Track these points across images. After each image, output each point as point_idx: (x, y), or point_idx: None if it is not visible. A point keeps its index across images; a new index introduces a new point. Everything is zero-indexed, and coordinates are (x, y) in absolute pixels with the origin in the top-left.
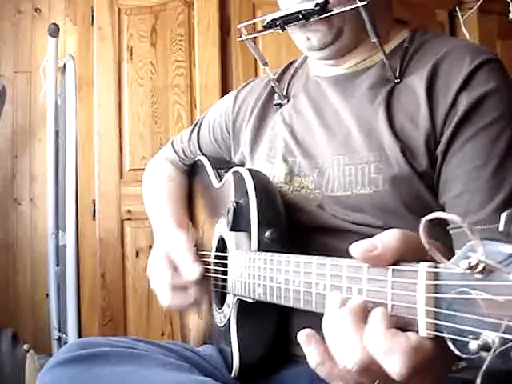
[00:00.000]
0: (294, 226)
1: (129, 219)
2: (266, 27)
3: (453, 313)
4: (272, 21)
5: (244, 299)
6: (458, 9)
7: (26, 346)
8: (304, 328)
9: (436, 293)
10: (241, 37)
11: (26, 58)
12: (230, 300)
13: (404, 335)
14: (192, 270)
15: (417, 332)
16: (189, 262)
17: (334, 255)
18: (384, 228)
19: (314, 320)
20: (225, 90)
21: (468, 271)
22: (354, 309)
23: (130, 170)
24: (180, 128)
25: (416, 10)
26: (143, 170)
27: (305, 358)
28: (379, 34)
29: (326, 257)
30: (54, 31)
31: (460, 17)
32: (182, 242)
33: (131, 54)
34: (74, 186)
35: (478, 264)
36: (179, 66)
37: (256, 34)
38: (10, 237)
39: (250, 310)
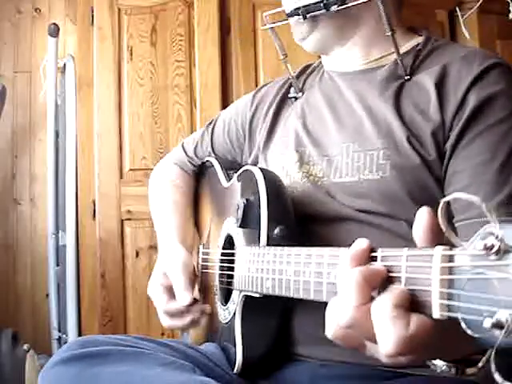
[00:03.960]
0: (301, 216)
1: (129, 219)
2: (289, 15)
3: (467, 293)
4: (295, 9)
5: (251, 295)
6: (458, 9)
7: (25, 346)
8: (305, 328)
9: (450, 274)
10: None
11: (26, 58)
12: (236, 296)
13: (406, 321)
14: (183, 298)
15: (430, 315)
16: (181, 289)
17: (340, 245)
18: (389, 215)
19: (316, 320)
20: (225, 90)
21: (483, 252)
22: (366, 274)
23: (130, 169)
24: (180, 128)
25: (416, 10)
26: (143, 170)
27: (306, 357)
28: (393, 28)
29: (339, 247)
30: (54, 31)
31: (460, 17)
32: (180, 263)
33: (131, 54)
34: (74, 186)
35: (493, 245)
36: (179, 65)
37: (280, 23)
38: (10, 237)
39: (255, 307)
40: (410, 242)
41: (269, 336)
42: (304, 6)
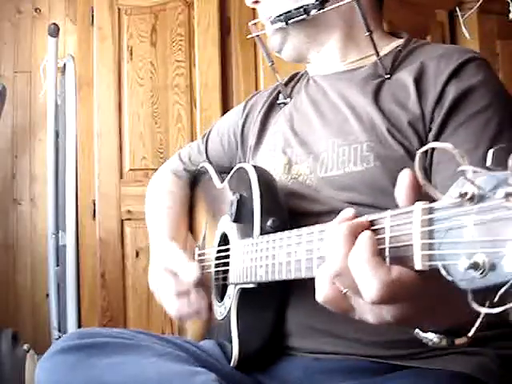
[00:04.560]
0: (293, 213)
1: (129, 219)
2: (272, 22)
3: (446, 240)
4: (277, 17)
5: (245, 286)
6: (458, 9)
7: (25, 346)
8: (298, 319)
9: (430, 226)
10: (248, 34)
11: (26, 58)
12: (231, 291)
13: (387, 267)
14: (190, 270)
15: (413, 268)
16: (185, 263)
17: None
18: (374, 206)
19: (309, 313)
20: (225, 90)
21: (459, 200)
22: (352, 225)
23: (130, 169)
24: (180, 128)
25: (416, 10)
26: (143, 170)
27: (298, 350)
28: (370, 28)
29: (328, 223)
30: (54, 31)
31: (460, 17)
32: (175, 250)
33: (131, 54)
34: (74, 186)
35: (467, 192)
36: (179, 65)
37: (265, 31)
38: (10, 237)
39: (250, 300)
40: None
41: (264, 328)
42: (286, 13)
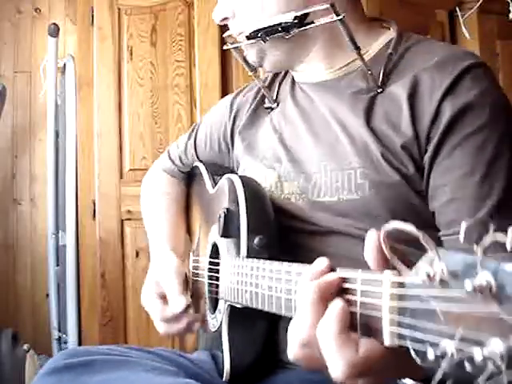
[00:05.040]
0: (282, 231)
1: (129, 219)
2: (249, 38)
3: (415, 322)
4: (254, 32)
5: (234, 305)
6: (458, 9)
7: (25, 346)
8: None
9: (400, 300)
10: (225, 45)
11: (26, 58)
12: (222, 306)
13: (354, 346)
14: (178, 303)
15: (381, 341)
16: (175, 294)
17: (320, 255)
18: (367, 230)
19: None
20: (225, 90)
21: (427, 281)
22: (322, 286)
23: (130, 169)
24: (180, 128)
25: (416, 10)
26: (143, 170)
27: (291, 365)
28: (358, 45)
29: (306, 264)
30: (54, 31)
31: (460, 17)
32: (172, 270)
33: (131, 54)
34: (74, 186)
35: (434, 274)
36: (179, 65)
37: (238, 44)
38: (10, 237)
39: (240, 316)
40: None
41: (256, 344)
42: (263, 29)
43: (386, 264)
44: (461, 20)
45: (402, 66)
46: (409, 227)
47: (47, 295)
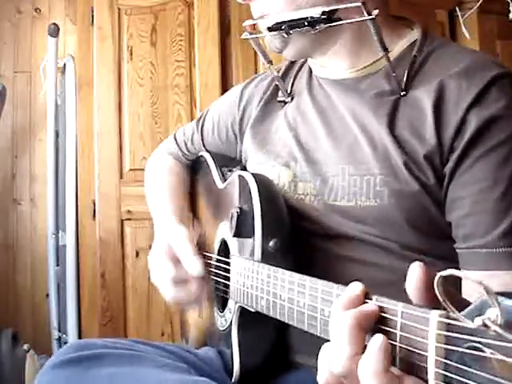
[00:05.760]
0: (296, 232)
1: (129, 219)
2: (271, 29)
3: (464, 367)
4: (277, 23)
5: (245, 307)
6: (458, 9)
7: (25, 346)
8: (304, 336)
9: (447, 344)
10: (244, 34)
11: (26, 58)
12: (232, 305)
13: (399, 382)
14: (194, 264)
15: (425, 380)
16: (190, 255)
17: (337, 262)
18: (385, 238)
19: None
20: (225, 90)
21: (482, 328)
22: (359, 318)
23: (130, 169)
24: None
25: (416, 10)
26: (143, 170)
27: (303, 366)
28: (386, 47)
29: (332, 282)
30: (54, 31)
31: (460, 17)
32: (184, 236)
33: (131, 54)
34: (74, 186)
35: (493, 321)
36: (179, 65)
37: (260, 35)
38: (10, 237)
39: (251, 318)
40: (400, 258)
41: (267, 345)
42: (288, 21)
43: (432, 302)
44: (461, 20)
45: (426, 70)
46: (466, 274)
47: (47, 295)
